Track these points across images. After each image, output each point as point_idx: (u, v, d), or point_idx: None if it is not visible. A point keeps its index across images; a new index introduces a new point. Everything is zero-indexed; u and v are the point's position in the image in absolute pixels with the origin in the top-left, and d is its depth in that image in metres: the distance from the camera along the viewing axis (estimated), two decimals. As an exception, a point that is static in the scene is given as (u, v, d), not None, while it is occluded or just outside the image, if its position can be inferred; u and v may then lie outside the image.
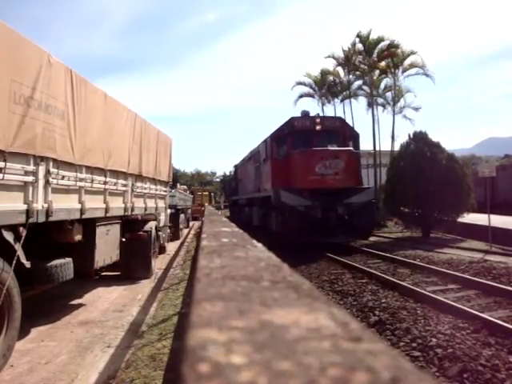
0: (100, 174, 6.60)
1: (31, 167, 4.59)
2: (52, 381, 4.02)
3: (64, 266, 5.36)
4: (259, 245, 1.49)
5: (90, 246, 6.29)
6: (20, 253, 4.39)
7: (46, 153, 4.84)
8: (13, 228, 4.35)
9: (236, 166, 27.04)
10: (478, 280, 7.85)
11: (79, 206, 5.77)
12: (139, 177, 8.70)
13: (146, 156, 9.02)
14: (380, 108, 27.44)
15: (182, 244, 16.37)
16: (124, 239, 8.14)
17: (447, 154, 15.90)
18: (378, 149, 25.54)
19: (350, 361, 0.44)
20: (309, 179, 12.93)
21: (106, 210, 6.76)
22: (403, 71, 25.55)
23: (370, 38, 25.24)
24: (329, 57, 27.18)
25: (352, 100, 27.95)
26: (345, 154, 13.54)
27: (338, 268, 10.08)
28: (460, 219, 15.85)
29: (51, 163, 5.00)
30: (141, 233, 8.81)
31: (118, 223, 7.69)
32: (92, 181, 6.24)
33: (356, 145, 14.88)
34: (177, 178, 19.27)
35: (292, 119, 14.80)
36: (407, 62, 25.20)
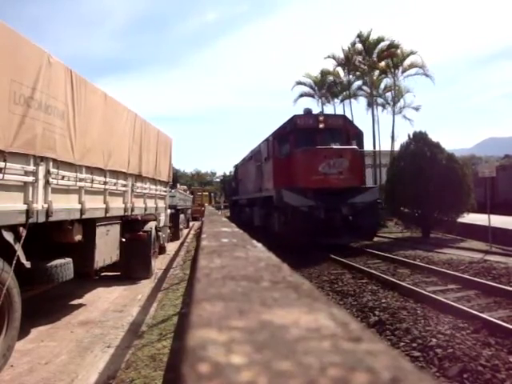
0: (100, 174, 6.60)
1: (31, 167, 4.59)
2: (52, 381, 4.02)
3: (64, 266, 5.36)
4: (259, 245, 1.49)
5: (90, 246, 6.29)
6: (20, 253, 4.39)
7: (46, 153, 4.84)
8: (13, 228, 4.35)
9: (236, 166, 26.74)
10: (478, 280, 7.85)
11: (79, 206, 5.77)
12: (139, 177, 8.70)
13: (145, 156, 9.02)
14: (380, 108, 27.48)
15: (181, 244, 16.37)
16: (124, 239, 8.14)
17: (447, 154, 15.90)
18: (378, 149, 25.56)
19: (350, 361, 0.44)
20: (312, 179, 12.62)
21: (106, 210, 6.76)
22: (403, 71, 25.60)
23: (370, 38, 25.28)
24: (329, 57, 27.23)
25: (352, 100, 28.00)
26: (349, 153, 13.21)
27: (338, 268, 10.08)
28: (460, 219, 15.85)
29: (51, 163, 5.00)
30: (141, 233, 8.81)
31: (117, 223, 7.69)
32: (92, 181, 6.24)
33: (360, 143, 14.56)
34: (177, 178, 19.22)
35: (294, 117, 14.46)
36: (407, 62, 25.27)
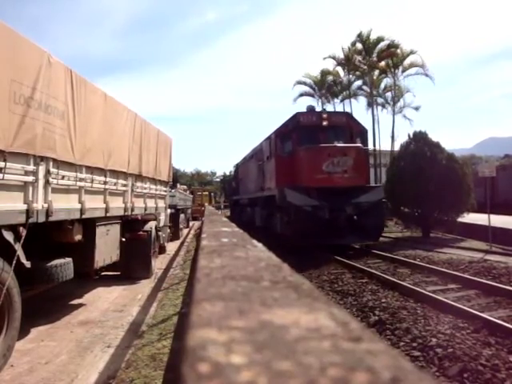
0: (100, 174, 6.60)
1: (31, 167, 4.59)
2: (52, 381, 4.02)
3: (64, 265, 5.36)
4: (259, 245, 1.49)
5: (90, 245, 6.29)
6: (20, 253, 4.39)
7: (46, 153, 4.84)
8: (13, 228, 4.35)
9: (237, 165, 26.38)
10: (478, 280, 7.85)
11: (79, 205, 5.78)
12: (139, 177, 8.70)
13: (145, 156, 9.02)
14: (380, 108, 27.49)
15: (181, 244, 16.37)
16: (124, 239, 8.15)
17: (447, 154, 15.91)
18: (378, 149, 25.55)
19: (350, 361, 0.44)
20: (316, 177, 12.27)
21: (106, 209, 6.76)
22: (403, 71, 25.60)
23: (370, 37, 25.29)
24: (329, 57, 27.23)
25: (352, 100, 28.00)
26: (353, 151, 12.86)
27: (338, 268, 10.08)
28: (460, 219, 15.85)
29: (51, 163, 5.00)
30: (141, 233, 8.81)
31: (117, 223, 7.69)
32: (92, 181, 6.24)
33: (364, 141, 14.17)
34: (177, 178, 19.21)
35: (297, 114, 14.12)
36: (407, 61, 25.28)
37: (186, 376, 0.41)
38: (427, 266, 9.56)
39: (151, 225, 9.41)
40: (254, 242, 1.58)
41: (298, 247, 11.78)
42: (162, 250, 11.67)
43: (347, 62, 26.68)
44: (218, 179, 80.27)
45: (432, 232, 16.17)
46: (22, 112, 4.30)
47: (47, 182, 4.90)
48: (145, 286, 8.31)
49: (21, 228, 4.44)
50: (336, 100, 29.51)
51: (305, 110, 14.85)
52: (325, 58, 27.55)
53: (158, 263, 10.52)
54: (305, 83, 29.43)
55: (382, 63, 25.51)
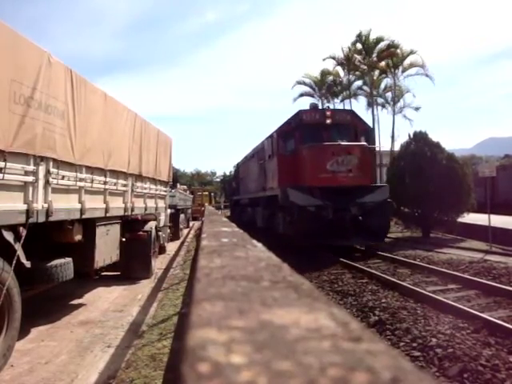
0: (100, 174, 6.60)
1: (31, 167, 4.59)
2: (52, 381, 4.02)
3: (64, 265, 5.36)
4: (259, 245, 1.49)
5: (90, 245, 6.29)
6: (20, 253, 4.39)
7: (46, 153, 4.85)
8: (13, 228, 4.35)
9: (237, 165, 26.00)
10: (478, 280, 7.85)
11: (79, 205, 5.78)
12: (139, 177, 8.70)
13: (145, 156, 9.02)
14: (380, 108, 27.49)
15: (182, 244, 16.37)
16: (124, 239, 8.15)
17: (447, 154, 15.92)
18: (378, 149, 25.55)
19: (350, 361, 0.44)
20: (319, 177, 11.93)
21: (106, 210, 6.76)
22: (403, 71, 25.62)
23: (370, 37, 25.30)
24: (328, 58, 27.25)
25: (352, 100, 28.01)
26: (358, 150, 12.52)
27: (338, 268, 10.08)
28: (460, 219, 15.86)
29: (51, 163, 5.00)
30: (141, 233, 8.81)
31: (117, 223, 7.69)
32: (92, 181, 6.24)
33: (369, 140, 13.79)
34: (177, 178, 19.19)
35: (300, 112, 13.80)
36: (407, 61, 25.29)
37: (185, 376, 0.41)
38: (427, 266, 9.56)
39: (151, 225, 9.41)
40: (254, 242, 1.58)
41: (298, 247, 11.66)
42: (162, 250, 11.67)
43: (347, 62, 26.71)
44: (218, 179, 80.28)
45: (432, 232, 16.18)
46: (21, 112, 4.30)
47: (47, 182, 4.90)
48: (145, 286, 8.31)
49: (21, 228, 4.44)
50: (336, 100, 29.54)
51: (307, 108, 14.51)
52: (324, 59, 27.61)
53: (158, 263, 10.52)
54: (304, 83, 29.46)
55: (382, 63, 25.53)
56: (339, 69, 27.98)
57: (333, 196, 11.50)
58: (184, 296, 7.13)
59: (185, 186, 28.90)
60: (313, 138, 12.83)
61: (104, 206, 6.73)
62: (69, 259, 5.52)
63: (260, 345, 0.47)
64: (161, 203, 10.90)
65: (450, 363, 4.26)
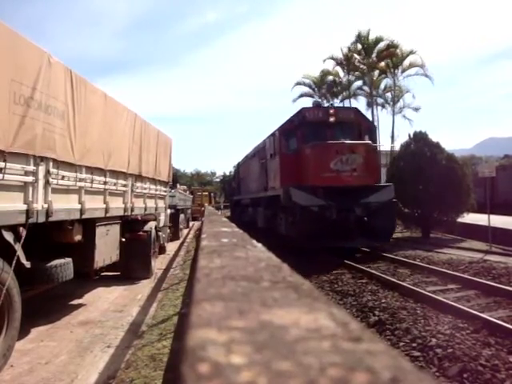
0: (100, 174, 6.60)
1: (31, 167, 4.59)
2: (52, 381, 4.02)
3: (64, 266, 5.36)
4: (259, 245, 1.49)
5: (90, 246, 6.29)
6: (20, 253, 4.39)
7: (46, 153, 4.84)
8: (13, 228, 4.35)
9: (238, 164, 25.65)
10: (478, 280, 7.85)
11: (79, 206, 5.77)
12: (139, 177, 8.70)
13: (145, 156, 9.02)
14: (379, 108, 27.49)
15: (181, 244, 16.37)
16: (124, 239, 8.15)
17: (447, 154, 15.92)
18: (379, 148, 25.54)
19: (350, 361, 0.44)
20: (323, 176, 11.57)
21: (106, 210, 6.76)
22: (403, 71, 25.61)
23: (369, 38, 25.29)
24: (328, 58, 27.25)
25: (352, 100, 28.01)
26: (363, 148, 12.12)
27: (338, 268, 10.07)
28: (460, 219, 15.86)
29: (51, 163, 5.00)
30: (141, 233, 8.81)
31: (117, 223, 7.69)
32: (92, 181, 6.24)
33: (373, 138, 13.42)
34: (177, 178, 19.16)
35: (303, 110, 13.60)
36: (406, 61, 25.27)
37: (185, 376, 0.41)
38: (427, 266, 9.56)
39: (151, 225, 9.41)
40: (254, 242, 1.58)
41: (299, 248, 11.50)
42: (162, 250, 11.66)
43: (346, 63, 26.71)
44: (217, 179, 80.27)
45: (432, 232, 16.18)
46: (21, 112, 4.30)
47: (47, 183, 4.90)
48: (145, 286, 8.31)
49: (21, 228, 4.44)
50: (336, 100, 29.51)
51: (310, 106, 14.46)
52: (325, 60, 27.58)
53: (158, 263, 10.52)
54: (304, 84, 29.46)
55: (382, 63, 25.53)
56: (339, 69, 28.01)
57: (336, 196, 11.16)
58: (184, 296, 7.13)
59: (185, 186, 28.91)
60: (316, 137, 12.53)
61: (104, 206, 6.73)
62: (69, 259, 5.52)
63: (260, 345, 0.47)
64: (161, 203, 10.90)
65: (449, 363, 4.26)
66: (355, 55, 26.19)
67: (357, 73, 27.05)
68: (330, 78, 28.89)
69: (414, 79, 29.07)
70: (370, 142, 12.77)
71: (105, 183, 6.79)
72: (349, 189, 11.35)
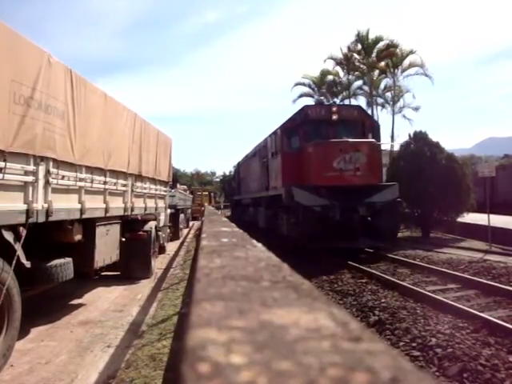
0: (100, 174, 6.60)
1: (31, 167, 4.59)
2: (52, 381, 4.02)
3: (64, 265, 5.36)
4: (259, 245, 1.49)
5: (90, 245, 6.29)
6: (20, 253, 4.39)
7: (46, 153, 4.84)
8: (13, 228, 4.35)
9: (238, 164, 25.40)
10: (478, 280, 7.85)
11: (79, 205, 5.77)
12: (139, 177, 8.70)
13: (145, 156, 9.02)
14: (379, 108, 27.48)
15: (181, 244, 16.37)
16: (124, 239, 8.15)
17: (447, 154, 15.93)
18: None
19: (350, 361, 0.44)
20: (326, 175, 11.32)
21: (106, 209, 6.76)
22: (403, 71, 25.59)
23: (369, 37, 25.28)
24: (328, 58, 27.24)
25: (352, 100, 28.00)
26: (366, 147, 11.89)
27: (338, 267, 10.07)
28: (460, 219, 15.87)
29: (51, 163, 5.00)
30: (141, 233, 8.81)
31: (117, 223, 7.69)
32: (92, 181, 6.24)
33: (376, 137, 13.16)
34: (177, 178, 19.15)
35: (305, 107, 13.40)
36: (406, 61, 25.25)
37: (185, 376, 0.41)
38: (427, 265, 9.57)
39: (151, 225, 9.42)
40: (254, 242, 1.58)
41: (299, 248, 11.40)
42: (162, 250, 11.67)
43: (346, 62, 26.69)
44: (217, 179, 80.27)
45: (432, 232, 16.19)
46: (21, 112, 4.30)
47: (47, 182, 4.90)
48: (145, 286, 8.31)
49: (21, 228, 4.44)
50: (336, 100, 29.48)
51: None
52: (325, 60, 27.56)
53: (158, 263, 10.52)
54: (303, 84, 29.44)
55: (382, 63, 25.51)
56: (339, 69, 27.99)
57: (340, 196, 10.90)
58: (184, 296, 7.13)
59: (185, 186, 28.89)
60: (318, 135, 12.35)
61: (104, 205, 6.73)
62: (69, 259, 5.52)
63: (260, 345, 0.47)
64: (161, 203, 10.90)
65: (449, 363, 4.26)
66: (355, 55, 26.18)
67: (357, 73, 27.03)
68: (330, 77, 28.88)
69: (413, 79, 29.05)
70: (373, 140, 12.54)
71: (105, 183, 6.79)
72: (352, 188, 11.11)
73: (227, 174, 64.31)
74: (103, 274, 7.89)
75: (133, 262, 8.48)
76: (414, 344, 4.88)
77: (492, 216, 13.43)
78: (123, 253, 7.92)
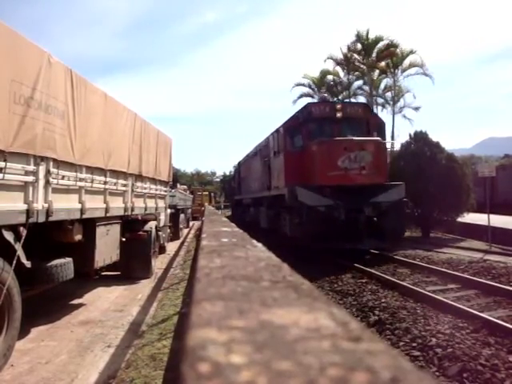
0: (100, 174, 6.60)
1: (31, 167, 4.59)
2: (52, 380, 4.02)
3: (64, 265, 5.36)
4: (259, 244, 1.49)
5: (90, 245, 6.29)
6: (20, 253, 4.39)
7: (46, 153, 4.84)
8: (13, 228, 4.35)
9: (238, 164, 25.10)
10: (478, 280, 7.85)
11: (79, 205, 5.77)
12: (139, 177, 8.70)
13: (145, 156, 9.02)
14: (380, 108, 27.47)
15: (181, 244, 16.37)
16: (124, 239, 8.15)
17: (447, 154, 15.95)
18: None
19: (350, 361, 0.44)
20: (330, 174, 11.01)
21: (106, 209, 6.76)
22: (403, 71, 25.59)
23: (369, 37, 25.28)
24: (328, 58, 27.23)
25: (352, 100, 27.98)
26: (372, 145, 11.55)
27: (338, 267, 10.06)
28: (460, 219, 15.88)
29: (51, 163, 5.00)
30: (141, 233, 8.81)
31: (118, 223, 7.69)
32: (92, 181, 6.24)
33: (382, 135, 12.81)
34: (177, 178, 19.10)
35: (309, 105, 13.19)
36: (407, 61, 25.25)
37: (185, 376, 0.41)
38: (427, 265, 9.56)
39: (151, 225, 9.41)
40: (254, 241, 1.58)
41: (300, 247, 11.25)
42: (162, 249, 11.66)
43: (346, 62, 26.69)
44: (218, 179, 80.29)
45: (432, 232, 16.19)
46: (22, 112, 4.30)
47: (47, 182, 4.90)
48: (145, 286, 8.31)
49: (21, 228, 4.44)
50: (336, 100, 29.48)
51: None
52: (325, 60, 27.55)
53: (158, 263, 10.52)
54: (304, 84, 29.43)
55: (382, 63, 25.51)
56: (339, 69, 27.99)
57: (345, 195, 10.61)
58: (184, 296, 7.13)
59: (185, 186, 28.87)
60: (322, 133, 12.08)
61: (104, 205, 6.73)
62: (69, 259, 5.52)
63: (260, 345, 0.47)
64: (161, 203, 10.90)
65: (449, 363, 4.26)
66: (355, 55, 26.18)
67: (357, 73, 27.03)
68: (330, 77, 28.88)
69: (413, 79, 29.06)
70: (379, 138, 12.24)
71: (105, 183, 6.79)
72: (357, 188, 10.83)
73: (227, 173, 64.36)
74: (103, 273, 7.89)
75: (133, 261, 8.48)
76: (414, 344, 4.88)
77: (492, 216, 13.44)
78: (123, 253, 7.91)
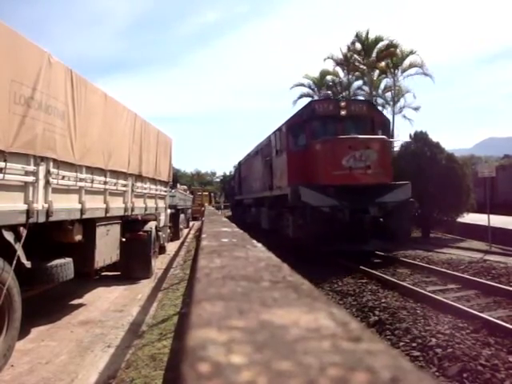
0: (100, 174, 6.60)
1: (31, 167, 4.59)
2: (52, 381, 4.02)
3: (64, 265, 5.36)
4: (259, 245, 1.49)
5: (90, 246, 6.29)
6: (20, 253, 4.39)
7: (47, 153, 4.85)
8: (13, 228, 4.35)
9: (239, 163, 24.82)
10: (478, 280, 7.85)
11: (79, 206, 5.78)
12: (139, 177, 8.70)
13: (146, 156, 9.02)
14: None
15: (182, 244, 16.37)
16: (124, 239, 8.15)
17: (447, 154, 15.95)
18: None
19: (350, 361, 0.44)
20: (334, 174, 10.70)
21: (106, 210, 6.76)
22: (403, 71, 25.59)
23: (369, 37, 25.28)
24: (328, 58, 27.23)
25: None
26: (377, 144, 11.21)
27: (338, 268, 10.04)
28: (460, 219, 15.88)
29: (51, 163, 5.00)
30: (141, 233, 8.81)
31: (118, 223, 7.69)
32: (92, 181, 6.24)
33: (386, 133, 12.56)
34: (177, 178, 19.06)
35: (312, 103, 12.93)
36: (407, 61, 25.25)
37: (186, 376, 0.41)
38: (427, 266, 9.56)
39: (151, 225, 9.41)
40: (254, 242, 1.58)
41: (302, 248, 11.09)
42: (162, 250, 11.66)
43: (346, 63, 26.69)
44: (218, 179, 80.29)
45: (432, 232, 16.18)
46: (22, 112, 4.30)
47: (47, 182, 4.90)
48: (145, 286, 8.31)
49: (21, 228, 4.44)
50: (336, 100, 29.47)
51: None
52: (325, 60, 27.55)
53: (158, 263, 10.52)
54: (303, 85, 29.42)
55: (382, 63, 25.51)
56: (339, 69, 27.99)
57: (349, 195, 10.28)
58: (184, 296, 7.13)
59: (185, 186, 28.87)
60: (326, 131, 11.85)
61: (104, 206, 6.73)
62: (69, 259, 5.52)
63: (260, 345, 0.47)
64: (161, 203, 10.90)
65: (449, 363, 4.26)
66: (355, 55, 26.18)
67: (357, 73, 27.03)
68: (330, 78, 28.88)
69: (413, 79, 29.04)
70: (384, 136, 11.95)
71: (105, 183, 6.79)
72: (363, 187, 10.50)
73: (227, 174, 64.37)
74: (103, 274, 7.89)
75: (133, 262, 8.48)
76: (414, 344, 4.88)
77: (492, 216, 13.44)
78: (123, 253, 7.92)
